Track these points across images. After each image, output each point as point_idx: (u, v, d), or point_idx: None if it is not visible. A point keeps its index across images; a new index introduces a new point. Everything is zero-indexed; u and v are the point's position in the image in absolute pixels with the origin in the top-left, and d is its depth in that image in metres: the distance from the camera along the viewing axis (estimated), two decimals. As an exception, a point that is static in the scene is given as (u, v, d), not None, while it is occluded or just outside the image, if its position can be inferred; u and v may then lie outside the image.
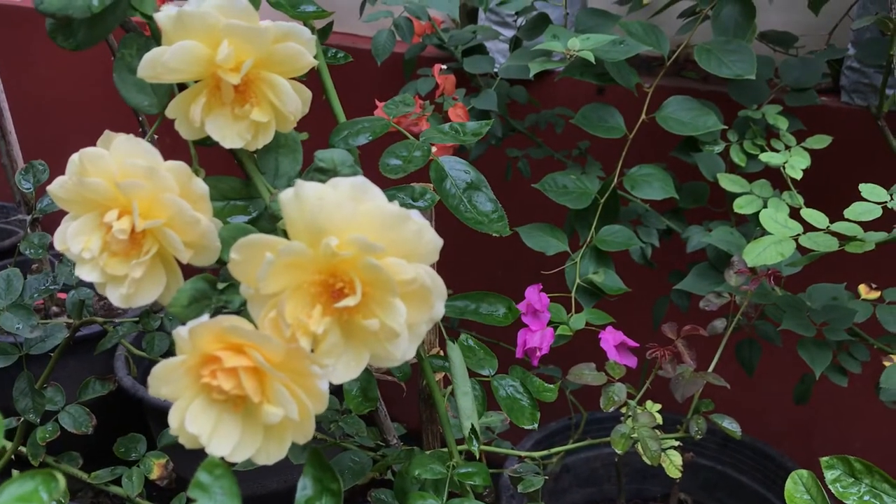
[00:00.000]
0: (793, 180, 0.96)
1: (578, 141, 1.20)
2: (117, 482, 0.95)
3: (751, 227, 1.01)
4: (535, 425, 0.67)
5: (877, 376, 0.94)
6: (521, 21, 1.25)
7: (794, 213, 0.88)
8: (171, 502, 0.95)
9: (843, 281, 0.96)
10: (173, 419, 0.42)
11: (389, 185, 0.57)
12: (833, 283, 0.95)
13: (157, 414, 1.34)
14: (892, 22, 0.93)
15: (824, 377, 0.91)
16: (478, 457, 0.64)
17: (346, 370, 0.42)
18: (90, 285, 0.97)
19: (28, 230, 1.14)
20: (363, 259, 0.40)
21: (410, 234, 0.41)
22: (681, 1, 1.15)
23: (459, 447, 0.67)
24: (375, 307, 0.41)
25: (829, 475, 0.57)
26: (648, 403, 0.86)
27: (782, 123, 1.02)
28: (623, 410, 0.86)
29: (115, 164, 0.46)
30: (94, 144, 0.47)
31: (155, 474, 0.95)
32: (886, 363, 0.88)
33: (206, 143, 0.51)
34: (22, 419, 0.92)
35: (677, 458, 0.84)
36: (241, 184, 0.52)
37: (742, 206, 0.96)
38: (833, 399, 1.25)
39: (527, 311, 0.91)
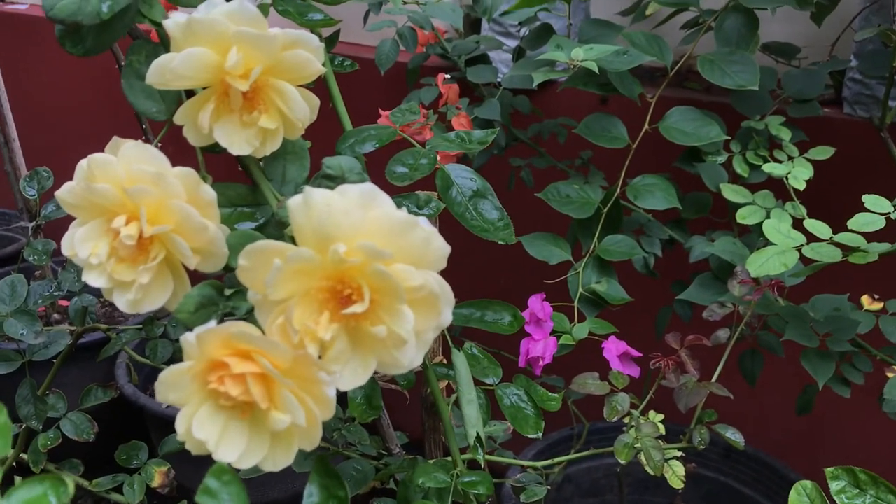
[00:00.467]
0: (795, 191, 0.96)
1: (581, 151, 1.20)
2: (118, 490, 0.95)
3: (753, 238, 1.01)
4: (540, 434, 0.67)
5: (879, 387, 0.94)
6: (524, 31, 1.25)
7: (797, 224, 0.88)
8: (172, 510, 0.95)
9: (844, 292, 0.96)
10: (180, 425, 0.42)
11: (394, 194, 0.58)
12: (835, 293, 0.96)
13: (158, 422, 1.34)
14: (895, 34, 0.93)
15: (826, 388, 0.91)
16: (482, 465, 0.64)
17: (353, 377, 0.42)
18: (94, 292, 0.97)
19: (30, 237, 1.15)
20: (371, 265, 0.40)
21: (419, 241, 0.41)
22: (684, 12, 1.16)
23: (462, 456, 0.67)
24: (383, 314, 0.41)
25: (833, 486, 0.57)
26: (651, 413, 0.86)
27: (785, 134, 1.02)
28: (626, 421, 0.86)
29: (123, 169, 0.46)
30: (96, 152, 0.47)
31: (156, 482, 0.95)
32: (889, 374, 0.88)
33: (214, 150, 0.51)
34: (24, 426, 0.92)
35: (680, 469, 0.84)
36: (248, 190, 0.52)
37: (745, 217, 0.96)
38: (835, 410, 1.25)
39: (530, 320, 0.91)
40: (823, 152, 1.01)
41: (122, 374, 1.37)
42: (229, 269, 0.48)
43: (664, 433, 0.85)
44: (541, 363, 0.90)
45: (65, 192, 0.47)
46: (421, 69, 1.32)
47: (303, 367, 0.41)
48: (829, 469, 0.57)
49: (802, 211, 0.95)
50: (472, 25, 1.42)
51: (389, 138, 0.60)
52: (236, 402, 0.41)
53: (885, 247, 0.82)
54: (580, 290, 0.96)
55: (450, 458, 0.67)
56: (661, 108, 1.00)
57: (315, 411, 0.41)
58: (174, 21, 0.47)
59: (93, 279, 0.47)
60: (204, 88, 0.49)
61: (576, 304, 0.96)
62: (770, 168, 0.98)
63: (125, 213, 0.46)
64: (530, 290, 0.91)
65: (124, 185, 0.45)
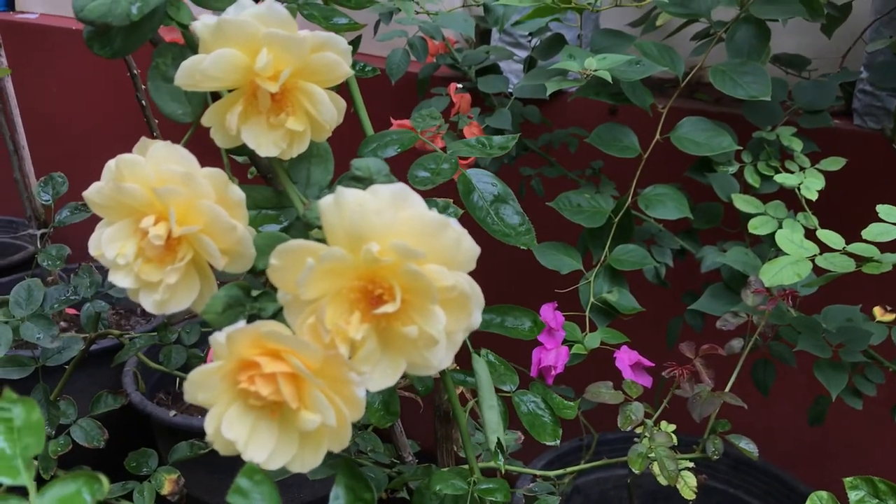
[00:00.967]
0: (807, 202, 0.96)
1: (591, 160, 1.20)
2: (128, 497, 0.94)
3: (765, 248, 1.02)
4: (558, 441, 0.66)
5: (891, 399, 0.94)
6: (535, 42, 1.26)
7: (809, 235, 0.88)
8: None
9: (857, 303, 0.96)
10: (209, 425, 0.41)
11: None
12: (847, 304, 0.96)
13: (166, 430, 1.34)
14: (907, 46, 0.94)
15: (837, 399, 0.91)
16: (502, 471, 0.64)
17: (383, 377, 0.42)
18: (106, 298, 0.97)
19: (38, 245, 1.15)
20: (404, 265, 0.40)
21: (450, 242, 0.41)
22: (694, 23, 1.16)
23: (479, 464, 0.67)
24: (414, 314, 0.41)
25: (852, 496, 0.57)
26: (663, 424, 0.86)
27: (797, 145, 1.02)
28: (638, 431, 0.86)
29: (151, 170, 0.46)
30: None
31: (166, 489, 0.94)
32: (902, 385, 0.88)
33: (240, 153, 0.51)
34: (35, 432, 0.92)
35: (692, 480, 0.84)
36: (272, 193, 0.52)
37: (757, 227, 0.96)
38: (846, 421, 1.25)
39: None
40: (835, 163, 1.01)
41: (129, 382, 1.36)
42: (254, 271, 0.48)
43: (676, 443, 0.85)
44: (553, 372, 0.90)
45: (93, 193, 0.47)
46: (431, 79, 1.32)
47: (333, 367, 0.41)
48: (848, 479, 0.57)
49: (814, 221, 0.95)
50: (482, 36, 1.43)
51: (411, 143, 0.60)
52: (266, 402, 0.41)
53: (899, 257, 0.82)
54: (591, 299, 0.96)
55: (465, 466, 0.67)
56: (672, 118, 1.01)
57: (345, 412, 0.41)
58: (203, 23, 0.47)
59: (119, 279, 0.47)
60: (230, 91, 0.49)
61: (587, 313, 0.96)
62: (782, 178, 0.98)
63: (153, 213, 0.46)
64: (541, 299, 0.91)
65: (153, 185, 0.45)
